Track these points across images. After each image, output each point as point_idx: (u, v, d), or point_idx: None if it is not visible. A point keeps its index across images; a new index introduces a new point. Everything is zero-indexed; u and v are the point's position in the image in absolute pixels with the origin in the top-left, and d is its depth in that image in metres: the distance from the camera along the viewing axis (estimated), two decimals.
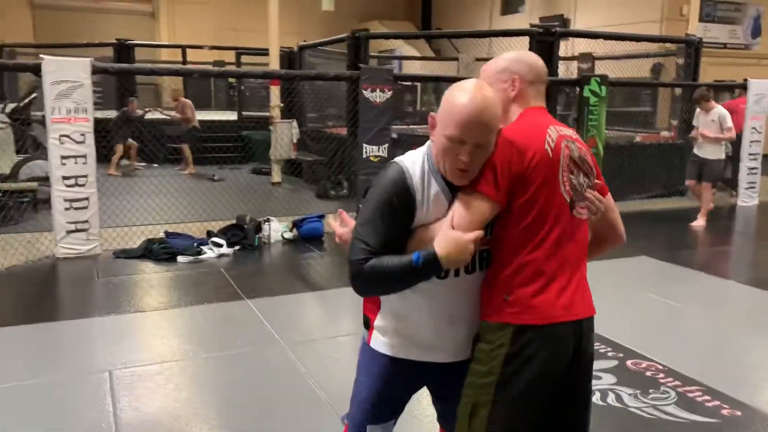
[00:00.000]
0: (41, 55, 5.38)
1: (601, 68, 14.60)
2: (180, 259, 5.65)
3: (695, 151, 7.58)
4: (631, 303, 4.81)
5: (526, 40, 9.03)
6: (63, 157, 5.50)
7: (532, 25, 9.82)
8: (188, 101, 11.36)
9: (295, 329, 4.19)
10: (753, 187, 9.22)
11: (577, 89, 8.12)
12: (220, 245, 5.92)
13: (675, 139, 10.36)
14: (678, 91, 10.62)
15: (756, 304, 4.96)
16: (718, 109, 7.35)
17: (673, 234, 7.61)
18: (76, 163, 5.55)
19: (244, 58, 14.68)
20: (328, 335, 4.19)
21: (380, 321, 1.80)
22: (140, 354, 3.75)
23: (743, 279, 5.52)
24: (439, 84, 18.03)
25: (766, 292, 5.14)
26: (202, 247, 5.89)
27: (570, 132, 1.75)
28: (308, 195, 9.25)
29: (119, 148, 10.78)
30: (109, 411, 3.02)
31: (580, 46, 16.09)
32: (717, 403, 3.20)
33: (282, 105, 10.11)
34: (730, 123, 7.30)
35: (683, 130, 10.23)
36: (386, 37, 15.55)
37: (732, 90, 12.10)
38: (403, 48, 21.11)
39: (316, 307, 4.87)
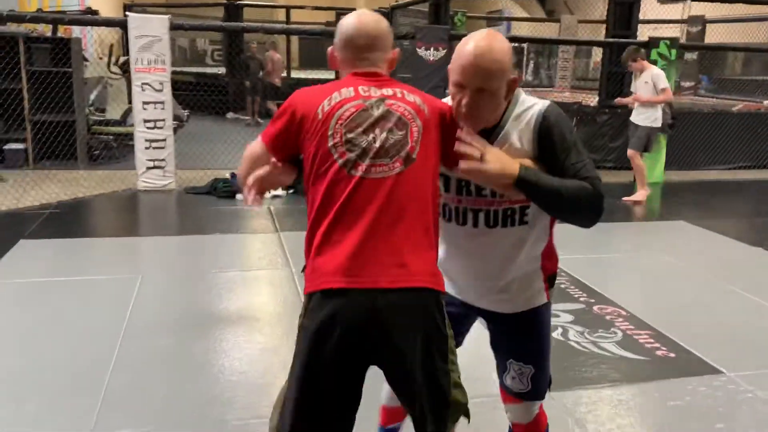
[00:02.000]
0: (127, 12, 6.21)
1: (712, 34, 13.81)
2: (239, 197, 6.38)
3: (631, 117, 6.84)
4: (638, 261, 4.93)
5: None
6: (144, 103, 6.36)
7: None
8: (277, 56, 11.91)
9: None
10: None
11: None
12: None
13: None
14: None
15: (763, 269, 4.91)
16: (652, 70, 6.59)
17: (736, 204, 7.38)
18: (155, 108, 6.40)
19: None
20: None
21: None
22: (168, 267, 4.49)
23: None
24: (553, 47, 17.54)
25: None
26: None
27: (382, 92, 1.64)
28: None
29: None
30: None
31: (696, 8, 15.20)
32: (657, 345, 3.40)
33: None
34: (664, 84, 6.49)
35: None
36: None
37: None
38: (512, 9, 20.83)
39: None
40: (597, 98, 9.26)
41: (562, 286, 4.22)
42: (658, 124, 6.63)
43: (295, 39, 16.95)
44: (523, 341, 1.92)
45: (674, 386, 3.00)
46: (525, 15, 19.88)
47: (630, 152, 6.75)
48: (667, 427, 2.68)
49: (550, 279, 1.88)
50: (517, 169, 1.58)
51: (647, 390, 2.97)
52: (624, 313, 3.82)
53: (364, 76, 1.68)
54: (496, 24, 21.16)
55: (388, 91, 1.64)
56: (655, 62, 7.59)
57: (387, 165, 1.56)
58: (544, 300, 1.88)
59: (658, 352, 3.33)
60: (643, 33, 10.26)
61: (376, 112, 1.60)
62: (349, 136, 1.57)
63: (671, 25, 14.36)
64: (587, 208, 1.64)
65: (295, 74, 15.01)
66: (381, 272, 1.50)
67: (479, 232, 1.75)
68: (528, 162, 1.64)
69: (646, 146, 6.67)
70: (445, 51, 7.05)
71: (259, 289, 4.17)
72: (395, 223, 1.53)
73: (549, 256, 1.86)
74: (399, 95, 1.64)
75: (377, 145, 1.57)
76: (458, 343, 1.91)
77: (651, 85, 6.48)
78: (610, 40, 8.48)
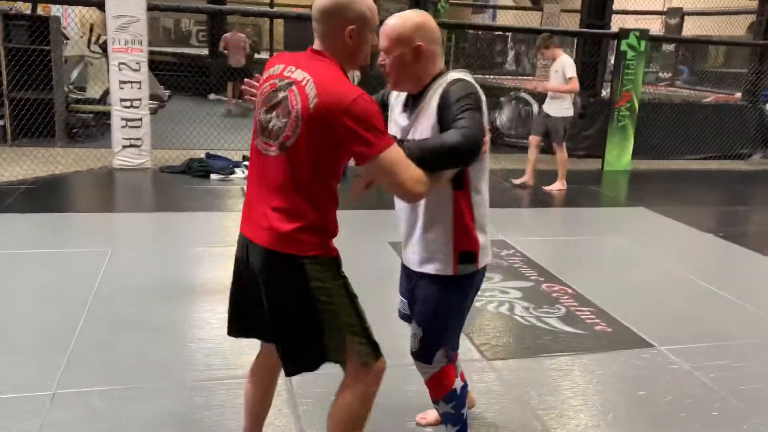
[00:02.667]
0: None
1: (690, 26, 14.04)
2: (213, 176, 6.53)
3: (544, 106, 6.70)
4: (594, 244, 5.14)
5: None
6: (121, 82, 6.46)
7: None
8: (236, 36, 11.55)
9: None
10: None
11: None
12: None
13: (739, 100, 10.04)
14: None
15: (709, 253, 5.14)
16: (563, 59, 6.41)
17: (699, 193, 7.63)
18: (132, 87, 6.50)
19: None
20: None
21: (482, 237, 2.06)
22: (137, 241, 4.64)
23: (723, 233, 5.62)
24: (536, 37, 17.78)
25: (733, 245, 5.27)
26: (236, 168, 6.73)
27: (296, 74, 1.78)
28: None
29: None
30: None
31: (676, 0, 15.41)
32: (597, 321, 3.61)
33: None
34: (572, 73, 6.31)
35: (749, 93, 9.89)
36: None
37: None
38: None
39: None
40: None
41: (515, 265, 4.43)
42: (571, 113, 6.63)
43: (280, 21, 16.98)
44: (420, 302, 2.10)
45: (606, 358, 3.21)
46: (511, 3, 19.97)
47: (555, 146, 6.73)
48: (594, 392, 2.90)
49: (462, 256, 2.02)
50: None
51: (581, 360, 3.18)
52: (570, 291, 4.03)
53: (308, 52, 1.85)
54: (481, 12, 21.28)
55: (299, 75, 1.77)
56: (624, 53, 7.79)
57: (271, 145, 1.81)
58: (448, 272, 2.02)
59: (597, 327, 3.54)
60: (626, 23, 10.43)
61: (280, 95, 1.79)
62: (263, 110, 1.86)
63: (657, 16, 14.55)
64: (450, 153, 1.78)
65: None
66: (252, 228, 1.88)
67: None
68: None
69: (562, 136, 6.65)
70: None
71: (224, 264, 4.28)
72: (269, 194, 1.82)
73: (463, 233, 2.00)
74: (304, 83, 1.75)
75: (269, 126, 1.81)
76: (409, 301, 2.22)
77: (561, 73, 6.38)
78: (582, 30, 8.65)
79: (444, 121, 1.87)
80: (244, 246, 1.91)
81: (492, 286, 4.04)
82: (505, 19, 18.98)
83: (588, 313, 3.72)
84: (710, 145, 9.37)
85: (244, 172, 6.67)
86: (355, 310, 1.90)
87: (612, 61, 8.39)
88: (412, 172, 1.77)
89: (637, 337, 3.44)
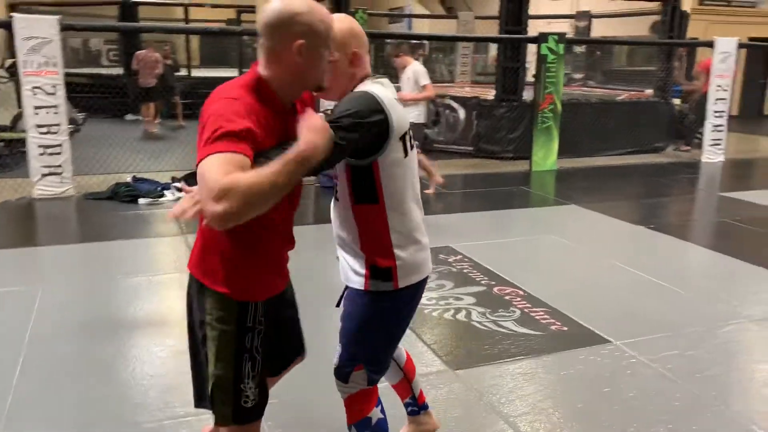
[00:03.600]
0: (12, 14, 5.92)
1: (599, 27, 14.67)
2: (141, 201, 6.24)
3: None
4: (534, 244, 5.24)
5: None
6: (36, 108, 6.09)
7: None
8: (149, 55, 11.12)
9: None
10: (718, 144, 9.40)
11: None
12: (180, 189, 6.49)
13: (650, 96, 10.56)
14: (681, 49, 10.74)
15: (645, 246, 5.34)
16: (414, 66, 6.36)
17: (623, 187, 7.94)
18: (48, 112, 6.13)
19: (247, 17, 15.10)
20: None
21: (403, 253, 1.91)
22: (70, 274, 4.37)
23: (654, 225, 5.87)
24: (452, 43, 18.10)
25: (664, 236, 5.51)
26: (165, 191, 6.47)
27: None
28: None
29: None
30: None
31: (583, 4, 16.07)
32: (552, 321, 3.67)
33: None
34: (425, 80, 6.26)
35: (660, 89, 10.40)
36: None
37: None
38: (413, 6, 21.21)
39: None
40: (494, 92, 9.62)
41: (465, 271, 4.45)
42: (422, 119, 6.57)
43: (196, 37, 16.56)
44: (342, 316, 2.04)
45: (567, 357, 3.26)
46: (426, 12, 20.29)
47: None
48: (562, 393, 2.92)
49: (373, 270, 1.89)
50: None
51: (543, 362, 3.21)
52: (521, 292, 4.08)
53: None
54: (398, 21, 21.51)
55: None
56: (545, 56, 8.02)
57: None
58: (359, 286, 1.92)
59: (553, 327, 3.59)
60: (537, 28, 10.76)
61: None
62: None
63: (567, 20, 15.11)
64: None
65: (196, 73, 14.66)
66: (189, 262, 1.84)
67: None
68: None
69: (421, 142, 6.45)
70: None
71: (167, 293, 4.13)
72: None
73: (373, 247, 1.89)
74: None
75: None
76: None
77: (413, 81, 6.30)
78: (503, 35, 8.86)
79: None
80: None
81: (445, 293, 4.04)
82: (421, 27, 19.25)
83: (542, 313, 3.77)
84: (628, 141, 9.79)
85: (174, 195, 6.43)
86: (236, 363, 1.74)
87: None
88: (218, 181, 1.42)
89: (592, 333, 3.51)
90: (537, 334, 3.51)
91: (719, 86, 9.15)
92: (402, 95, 6.15)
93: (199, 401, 1.91)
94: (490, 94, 9.92)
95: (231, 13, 15.16)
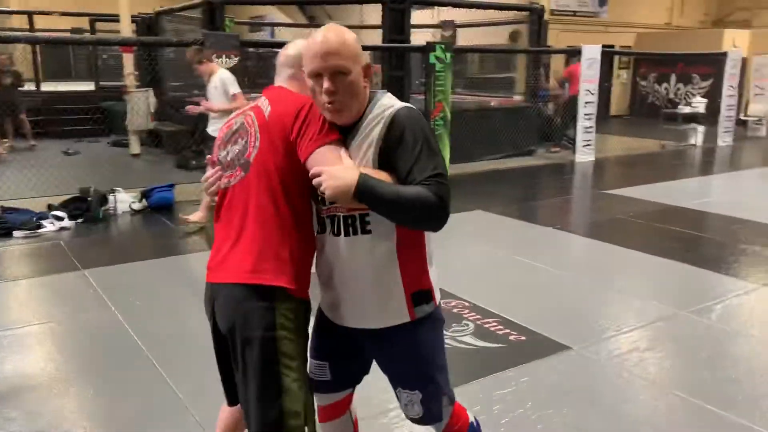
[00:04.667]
0: None
1: (463, 36, 15.23)
2: (16, 233, 5.48)
3: (210, 129, 5.81)
4: (460, 252, 5.23)
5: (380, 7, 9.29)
6: None
7: None
8: None
9: (128, 295, 4.24)
10: (589, 145, 10.07)
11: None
12: (60, 218, 5.79)
13: (521, 102, 11.09)
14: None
15: (564, 247, 5.55)
16: (221, 74, 5.74)
17: (514, 190, 8.23)
18: None
19: (102, 26, 13.98)
20: (172, 298, 4.27)
21: (433, 276, 1.83)
22: None
23: (561, 225, 6.12)
24: None
25: (578, 236, 5.77)
26: (41, 221, 5.73)
27: (263, 106, 1.77)
28: (168, 166, 9.11)
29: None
30: None
31: (444, 14, 16.61)
32: (507, 331, 3.64)
33: (136, 73, 9.85)
34: (234, 88, 5.66)
35: (530, 94, 10.96)
36: (250, 2, 15.24)
37: (574, 54, 13.02)
38: (275, 15, 20.83)
39: (159, 273, 4.91)
40: None
41: None
42: None
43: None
44: (397, 364, 1.85)
45: (535, 366, 3.23)
46: (288, 21, 20.00)
47: None
48: (543, 403, 2.87)
49: (415, 297, 1.78)
50: (355, 180, 1.56)
51: (514, 375, 3.15)
52: (467, 304, 4.03)
53: (264, 91, 1.85)
54: (260, 30, 21.04)
55: (252, 104, 1.81)
56: (433, 65, 8.12)
57: (232, 174, 1.76)
58: (405, 318, 1.78)
59: (511, 338, 3.56)
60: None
61: (236, 126, 1.80)
62: (220, 154, 1.83)
63: (431, 29, 15.50)
64: (426, 215, 1.60)
65: (45, 87, 13.32)
66: (213, 270, 1.77)
67: (331, 239, 1.75)
68: (371, 171, 1.63)
69: None
70: (237, 58, 6.78)
71: (74, 341, 3.61)
72: (230, 225, 1.74)
73: (410, 272, 1.77)
74: (258, 104, 1.78)
75: (228, 156, 1.78)
76: (357, 369, 1.98)
77: (221, 90, 5.71)
78: (391, 45, 8.87)
79: (396, 158, 1.63)
80: (211, 294, 1.78)
81: None
82: (285, 36, 18.95)
83: (495, 323, 3.73)
84: (505, 145, 10.20)
85: (54, 224, 5.72)
86: (305, 377, 1.78)
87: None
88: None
89: (550, 341, 3.52)
90: (498, 346, 3.46)
91: (588, 90, 9.80)
92: (208, 105, 5.79)
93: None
94: None
95: (82, 22, 13.93)
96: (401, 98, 7.45)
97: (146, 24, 11.96)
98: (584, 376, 3.14)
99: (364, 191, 1.56)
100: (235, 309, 1.68)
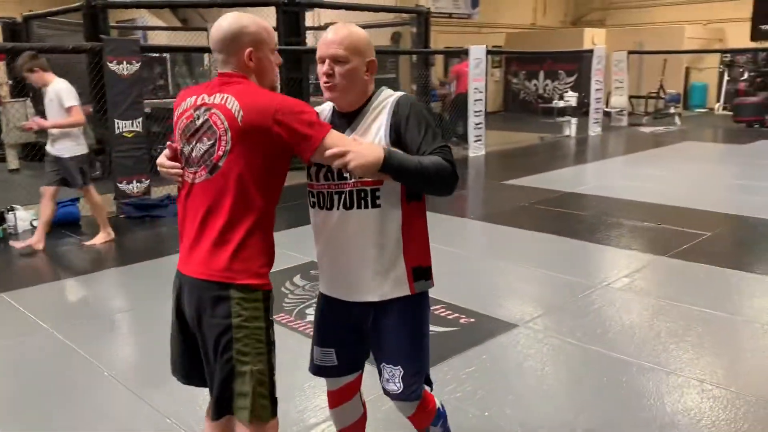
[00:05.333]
0: None
1: None
2: None
3: (48, 147, 5.29)
4: None
5: (273, 10, 9.27)
6: None
7: None
8: None
9: (61, 315, 4.04)
10: (480, 139, 10.64)
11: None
12: None
13: None
14: (415, 58, 11.73)
15: (484, 235, 5.90)
16: (56, 84, 5.13)
17: None
18: None
19: None
20: (100, 315, 4.11)
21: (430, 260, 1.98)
22: None
23: (475, 216, 6.49)
24: (190, 55, 17.75)
25: (493, 225, 6.14)
26: None
27: (211, 99, 1.79)
28: None
29: None
30: None
31: (326, 16, 16.76)
32: (456, 315, 3.87)
33: (10, 82, 9.16)
34: (71, 101, 5.06)
35: (420, 94, 11.36)
36: (126, 6, 14.57)
37: (458, 55, 13.64)
38: (146, 18, 19.99)
39: (79, 290, 4.70)
40: None
41: None
42: (83, 150, 5.31)
43: None
44: (388, 338, 1.95)
45: (489, 346, 3.48)
46: (161, 24, 19.27)
47: (86, 188, 5.39)
48: (501, 379, 3.12)
49: (416, 271, 1.92)
50: (381, 154, 1.72)
51: (471, 356, 3.36)
52: None
53: (218, 78, 1.84)
54: (131, 33, 20.08)
55: (216, 99, 1.79)
56: None
57: (197, 172, 1.80)
58: (405, 292, 1.90)
59: (462, 321, 3.79)
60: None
61: (200, 122, 1.80)
62: (182, 144, 1.85)
63: (312, 31, 15.56)
64: (444, 180, 1.80)
65: None
66: (182, 261, 1.86)
67: (339, 215, 1.87)
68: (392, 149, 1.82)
69: (83, 179, 5.33)
70: (138, 64, 6.55)
71: (28, 371, 3.41)
72: (194, 224, 1.81)
73: (413, 247, 1.91)
74: (224, 102, 1.77)
75: (193, 154, 1.81)
76: (362, 352, 2.07)
77: (57, 103, 5.09)
78: (299, 47, 8.90)
79: (401, 135, 1.83)
80: (180, 284, 1.86)
81: None
82: (159, 39, 18.25)
83: (442, 309, 3.95)
84: None
85: None
86: (269, 358, 1.82)
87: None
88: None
89: (498, 320, 3.79)
90: (452, 329, 3.68)
91: (476, 89, 10.34)
92: (39, 123, 5.28)
93: (216, 412, 1.85)
94: None
95: None
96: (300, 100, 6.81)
97: (10, 29, 11.12)
98: (536, 352, 3.42)
99: (391, 163, 1.73)
100: (198, 299, 1.79)
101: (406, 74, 14.38)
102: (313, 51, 8.66)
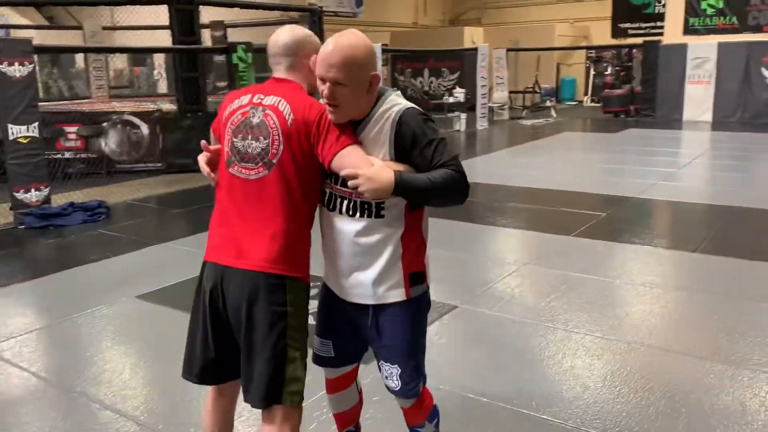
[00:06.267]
0: None
1: (233, 36, 15.17)
2: None
3: None
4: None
5: (161, 9, 9.02)
6: None
7: None
8: None
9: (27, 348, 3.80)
10: None
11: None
12: None
13: None
14: None
15: None
16: None
17: None
18: None
19: None
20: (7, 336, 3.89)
21: (426, 260, 2.02)
22: None
23: None
24: (59, 56, 16.69)
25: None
26: None
27: (268, 99, 1.89)
28: None
29: None
30: None
31: (209, 14, 16.35)
32: None
33: None
34: None
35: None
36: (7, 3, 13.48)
37: None
38: (8, 16, 18.53)
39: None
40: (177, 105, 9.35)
41: None
42: None
43: None
44: (385, 339, 1.98)
45: (443, 324, 3.70)
46: (26, 22, 17.96)
47: None
48: (468, 351, 3.36)
49: (413, 277, 1.95)
50: (392, 179, 1.76)
51: (430, 333, 3.54)
52: None
53: (272, 80, 1.98)
54: None
55: (270, 100, 1.90)
56: (236, 66, 8.18)
57: (253, 168, 1.89)
58: (401, 297, 1.94)
59: None
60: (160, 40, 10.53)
61: (255, 120, 1.90)
62: (234, 140, 1.93)
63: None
64: (456, 191, 1.83)
65: None
66: (228, 255, 1.91)
67: (343, 219, 1.92)
68: (401, 165, 1.83)
69: None
70: (32, 65, 6.17)
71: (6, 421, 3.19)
72: (247, 219, 1.90)
73: (410, 254, 1.95)
74: (277, 104, 1.88)
75: (249, 150, 1.89)
76: (358, 346, 2.14)
77: None
78: (198, 47, 8.72)
79: (408, 153, 1.84)
80: (215, 273, 1.91)
81: None
82: (45, 39, 17.01)
83: None
84: None
85: None
86: (305, 345, 1.94)
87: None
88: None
89: (440, 303, 3.98)
90: None
91: None
92: None
93: (265, 399, 1.88)
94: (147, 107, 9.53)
95: None
96: (197, 100, 7.79)
97: None
98: (482, 325, 3.68)
99: (402, 187, 1.77)
100: (253, 287, 1.85)
101: None
102: (209, 50, 8.54)
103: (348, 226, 1.92)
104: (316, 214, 2.00)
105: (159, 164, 9.15)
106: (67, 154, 8.78)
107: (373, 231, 1.91)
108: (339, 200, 1.92)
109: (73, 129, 8.82)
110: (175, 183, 8.51)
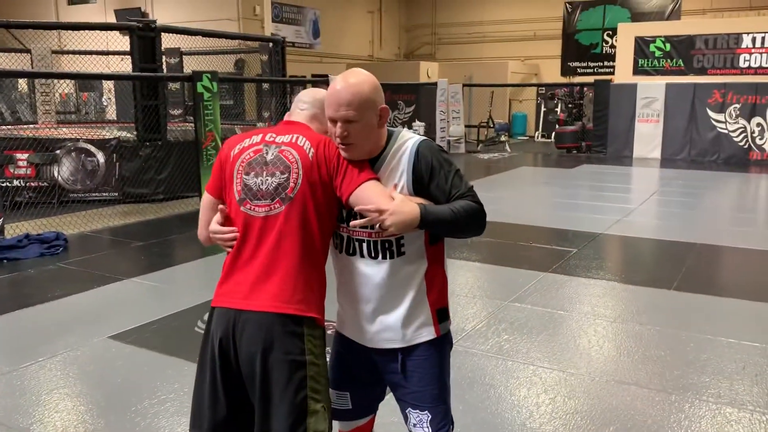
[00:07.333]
0: None
1: (188, 63, 14.93)
2: None
3: None
4: None
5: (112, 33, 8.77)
6: None
7: (128, 19, 9.47)
8: None
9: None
10: None
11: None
12: None
13: None
14: (265, 86, 11.69)
15: None
16: None
17: None
18: None
19: None
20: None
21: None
22: None
23: None
24: (3, 80, 16.07)
25: None
26: None
27: (282, 138, 1.87)
28: None
29: None
30: None
31: (165, 41, 16.08)
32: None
33: None
34: None
35: (276, 120, 11.34)
36: None
37: (311, 84, 13.79)
38: None
39: None
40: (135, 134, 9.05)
41: None
42: None
43: None
44: (415, 383, 1.91)
45: None
46: None
47: None
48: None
49: (440, 313, 1.91)
50: (416, 211, 1.75)
51: None
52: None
53: (284, 123, 1.98)
54: None
55: (285, 138, 1.87)
56: (201, 95, 7.98)
57: (268, 205, 1.81)
58: (431, 335, 1.89)
59: None
60: (112, 65, 10.32)
61: (270, 156, 1.84)
62: (245, 177, 1.85)
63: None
64: (476, 222, 1.83)
65: None
66: (240, 297, 1.80)
67: (364, 262, 1.86)
68: (420, 199, 1.84)
69: None
70: None
71: None
72: (262, 257, 1.80)
73: (435, 289, 1.91)
74: (295, 140, 1.86)
75: (263, 187, 1.82)
76: (376, 396, 2.09)
77: None
78: (163, 74, 8.52)
79: (426, 185, 1.83)
80: (227, 319, 1.78)
81: None
82: None
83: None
84: None
85: None
86: (329, 394, 1.89)
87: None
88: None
89: None
90: None
91: None
92: None
93: None
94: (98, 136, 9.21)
95: None
96: (157, 129, 7.66)
97: None
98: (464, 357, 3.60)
99: (427, 219, 1.76)
100: (267, 334, 1.74)
101: (253, 102, 14.18)
102: (175, 78, 8.35)
103: (371, 270, 1.86)
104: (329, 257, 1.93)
105: (115, 194, 8.80)
106: (15, 182, 8.36)
107: (398, 270, 1.86)
108: (358, 243, 1.87)
109: (24, 156, 8.41)
110: (131, 214, 8.20)
